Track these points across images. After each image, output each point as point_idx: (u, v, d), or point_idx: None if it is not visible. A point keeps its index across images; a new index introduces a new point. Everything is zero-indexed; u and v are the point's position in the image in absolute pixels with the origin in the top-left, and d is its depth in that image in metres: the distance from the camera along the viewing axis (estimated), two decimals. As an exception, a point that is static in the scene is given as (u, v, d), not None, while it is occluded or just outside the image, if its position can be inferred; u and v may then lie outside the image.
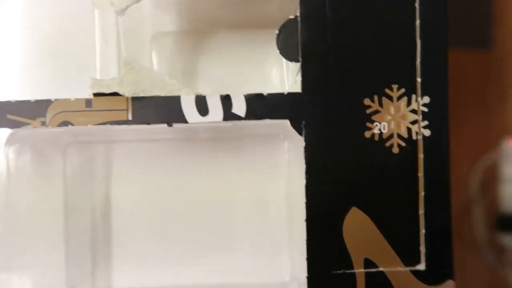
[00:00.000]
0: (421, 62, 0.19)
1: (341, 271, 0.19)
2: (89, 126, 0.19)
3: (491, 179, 0.59)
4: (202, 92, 0.19)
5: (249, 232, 0.24)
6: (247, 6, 0.23)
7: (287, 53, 0.20)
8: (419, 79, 0.19)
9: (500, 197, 0.58)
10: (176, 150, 0.24)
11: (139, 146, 0.24)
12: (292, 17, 0.19)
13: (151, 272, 0.24)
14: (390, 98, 0.20)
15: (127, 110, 0.19)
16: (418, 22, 0.19)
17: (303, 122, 0.19)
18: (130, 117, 0.19)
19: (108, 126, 0.20)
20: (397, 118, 0.20)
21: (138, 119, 0.19)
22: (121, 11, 0.19)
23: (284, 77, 0.23)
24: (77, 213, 0.23)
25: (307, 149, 0.19)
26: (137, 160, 0.24)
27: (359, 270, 0.19)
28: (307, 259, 0.19)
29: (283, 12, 0.21)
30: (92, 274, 0.23)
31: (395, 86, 0.20)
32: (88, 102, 0.19)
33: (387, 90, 0.20)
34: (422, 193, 0.19)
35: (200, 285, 0.24)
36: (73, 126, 0.19)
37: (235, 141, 0.24)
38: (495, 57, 0.61)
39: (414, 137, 0.19)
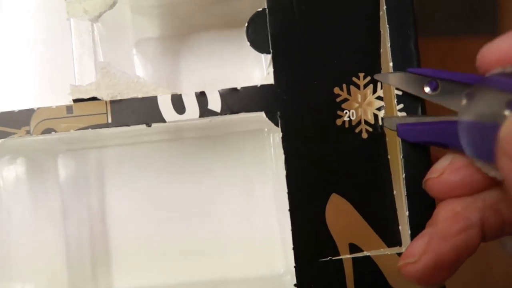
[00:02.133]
0: (391, 47, 0.19)
1: (328, 258, 0.19)
2: (74, 132, 0.20)
3: None
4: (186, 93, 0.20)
5: (241, 227, 0.24)
6: (223, 6, 0.24)
7: (258, 45, 0.20)
8: (382, 67, 0.19)
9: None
10: (164, 151, 0.24)
11: (129, 150, 0.24)
12: (260, 9, 0.20)
13: (150, 271, 0.24)
14: (357, 86, 0.20)
15: (106, 113, 0.20)
16: (385, 7, 0.19)
17: (278, 113, 0.20)
18: (110, 120, 0.20)
19: (98, 131, 0.20)
20: (364, 106, 0.20)
21: (118, 121, 0.20)
22: (95, 18, 0.20)
23: (265, 73, 0.23)
24: (75, 218, 0.24)
25: (284, 139, 0.19)
26: (128, 163, 0.24)
27: (346, 256, 0.19)
28: (294, 248, 0.19)
29: (256, 8, 0.21)
30: (93, 277, 0.24)
31: (361, 74, 0.20)
32: (69, 109, 0.20)
33: (354, 79, 0.20)
34: (402, 175, 0.19)
35: (197, 282, 0.24)
36: (63, 134, 0.20)
37: (221, 138, 0.24)
38: None
39: (380, 122, 0.20)
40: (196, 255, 0.24)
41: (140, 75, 0.24)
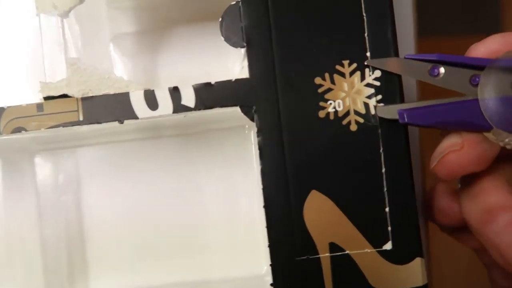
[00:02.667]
0: (368, 35, 0.19)
1: (305, 257, 0.19)
2: (46, 130, 0.19)
3: None
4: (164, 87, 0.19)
5: (223, 227, 0.24)
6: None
7: (232, 39, 0.19)
8: (368, 53, 0.19)
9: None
10: (143, 149, 0.24)
11: (107, 149, 0.24)
12: (233, 3, 0.19)
13: (128, 272, 0.24)
14: (342, 74, 0.19)
15: (77, 111, 0.19)
16: None
17: (254, 107, 0.19)
18: (81, 118, 0.19)
19: (74, 130, 0.20)
20: (352, 94, 0.19)
21: (89, 118, 0.19)
22: (65, 14, 0.19)
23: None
24: (51, 219, 0.23)
25: (259, 134, 0.19)
26: (106, 163, 0.24)
27: (325, 255, 0.19)
28: (269, 246, 0.19)
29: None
30: (70, 278, 0.23)
31: (346, 62, 0.19)
32: (39, 107, 0.19)
33: (338, 67, 0.19)
34: (383, 170, 0.19)
35: (178, 283, 0.24)
36: (38, 133, 0.20)
37: (200, 136, 0.24)
38: None
39: (372, 111, 0.19)
40: (177, 256, 0.24)
41: (118, 71, 0.24)
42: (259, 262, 0.24)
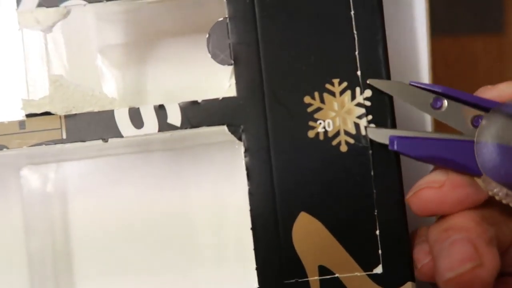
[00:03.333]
0: (359, 53, 0.18)
1: (294, 280, 0.18)
2: (26, 148, 0.19)
3: None
4: (153, 102, 0.19)
5: (212, 242, 0.23)
6: (190, 11, 0.23)
7: (219, 56, 0.19)
8: (359, 72, 0.18)
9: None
10: (131, 164, 0.23)
11: (93, 163, 0.23)
12: (221, 19, 0.19)
13: (115, 287, 0.23)
14: (332, 93, 0.18)
15: (61, 128, 0.19)
16: (352, 12, 0.18)
17: (241, 126, 0.19)
18: (64, 136, 0.19)
19: (61, 145, 0.19)
20: (342, 114, 0.18)
21: (73, 137, 0.19)
22: (48, 29, 0.19)
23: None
24: (37, 233, 0.23)
25: (247, 154, 0.18)
26: (93, 177, 0.23)
27: (314, 278, 0.18)
28: (257, 269, 0.18)
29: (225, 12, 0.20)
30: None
31: (336, 81, 0.18)
32: (21, 124, 0.19)
33: (328, 86, 0.18)
34: (374, 192, 0.18)
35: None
36: (23, 150, 0.19)
37: (189, 151, 0.23)
38: (509, 42, 0.58)
39: (363, 132, 0.18)
40: (164, 271, 0.23)
41: (106, 83, 0.23)
42: (248, 278, 0.23)
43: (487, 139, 0.16)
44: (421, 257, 0.18)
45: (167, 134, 0.19)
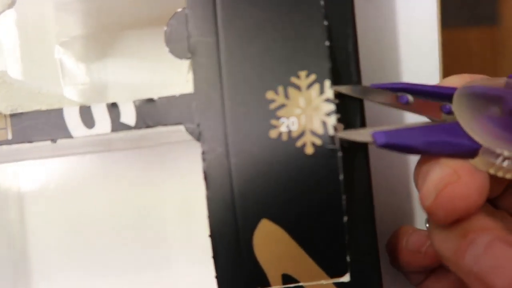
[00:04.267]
0: (330, 45, 0.17)
1: (256, 289, 0.17)
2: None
3: None
4: (114, 96, 0.18)
5: (182, 241, 0.22)
6: (154, 2, 0.21)
7: (177, 50, 0.17)
8: (329, 64, 0.17)
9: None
10: (90, 164, 0.22)
11: (52, 163, 0.22)
12: (180, 10, 0.17)
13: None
14: (297, 87, 0.17)
15: (6, 128, 0.17)
16: (322, 2, 0.17)
17: (199, 125, 0.17)
18: (10, 136, 0.17)
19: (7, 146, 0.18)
20: (309, 111, 0.17)
21: (19, 137, 0.17)
22: (-9, 21, 0.17)
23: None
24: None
25: (204, 157, 0.17)
26: (52, 178, 0.22)
27: (277, 287, 0.17)
28: (216, 277, 0.17)
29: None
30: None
31: (303, 73, 0.17)
32: (-36, 123, 0.17)
33: (293, 79, 0.17)
34: (342, 198, 0.17)
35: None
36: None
37: (154, 150, 0.22)
38: (502, 34, 0.57)
39: (330, 131, 0.17)
40: (132, 272, 0.22)
41: (65, 75, 0.22)
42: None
43: (469, 116, 0.16)
44: (423, 239, 0.18)
45: (122, 134, 0.18)
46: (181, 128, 0.17)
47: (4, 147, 0.18)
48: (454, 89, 0.16)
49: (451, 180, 0.15)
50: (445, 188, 0.15)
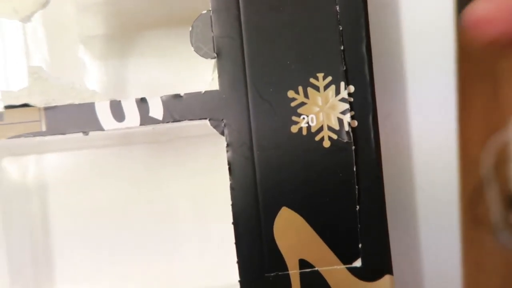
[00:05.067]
0: (344, 49, 0.18)
1: (275, 273, 0.19)
2: (4, 140, 0.18)
3: (503, 159, 0.57)
4: (135, 95, 0.19)
5: (194, 235, 0.23)
6: (174, 3, 0.22)
7: (202, 50, 0.19)
8: (343, 67, 0.18)
9: (513, 176, 0.57)
10: (112, 156, 0.23)
11: (74, 155, 0.23)
12: (204, 12, 0.19)
13: (97, 282, 0.23)
14: (316, 88, 0.18)
15: (40, 121, 0.18)
16: (337, 7, 0.18)
17: (224, 120, 0.18)
18: (44, 128, 0.18)
19: (41, 138, 0.19)
20: (326, 109, 0.18)
21: (53, 129, 0.18)
22: (27, 18, 0.18)
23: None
24: (16, 228, 0.23)
25: (229, 149, 0.18)
26: (73, 169, 0.23)
27: (294, 271, 0.19)
28: (238, 262, 0.19)
29: (208, 4, 0.20)
30: (37, 288, 0.23)
31: (320, 75, 0.18)
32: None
33: (312, 80, 0.18)
34: (356, 188, 0.18)
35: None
36: (2, 141, 0.19)
37: (173, 143, 0.23)
38: None
39: (346, 128, 0.18)
40: (147, 265, 0.23)
41: (88, 74, 0.23)
42: (230, 273, 0.23)
43: None
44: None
45: (149, 128, 0.19)
46: (206, 122, 0.19)
47: (36, 138, 0.19)
48: None
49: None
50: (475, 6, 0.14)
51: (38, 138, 0.20)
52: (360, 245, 0.18)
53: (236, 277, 0.23)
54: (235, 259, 0.23)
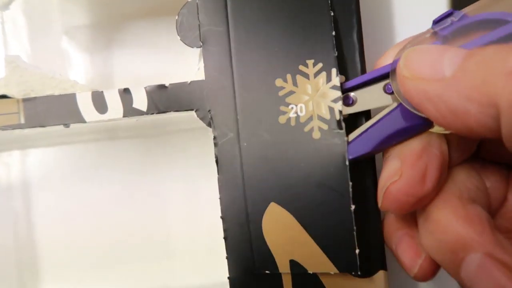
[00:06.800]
0: (335, 35, 0.17)
1: (265, 272, 0.18)
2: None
3: None
4: (120, 86, 0.18)
5: (184, 232, 0.23)
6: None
7: (188, 38, 0.18)
8: (335, 53, 0.17)
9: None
10: (97, 152, 0.22)
11: (59, 150, 0.22)
12: (190, 0, 0.18)
13: (82, 279, 0.22)
14: (305, 75, 0.17)
15: (18, 113, 0.18)
16: None
17: (210, 112, 0.18)
18: (22, 120, 0.18)
19: (22, 132, 0.18)
20: (316, 98, 0.17)
21: (32, 121, 0.18)
22: (4, 6, 0.18)
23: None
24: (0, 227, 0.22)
25: (216, 142, 0.18)
26: (58, 165, 0.22)
27: (285, 272, 0.18)
28: (227, 258, 0.18)
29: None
30: (20, 285, 0.22)
31: (310, 62, 0.17)
32: (-24, 108, 0.18)
33: (301, 67, 0.17)
34: (349, 183, 0.17)
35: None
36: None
37: (161, 138, 0.22)
38: None
39: (337, 117, 0.17)
40: (135, 262, 0.22)
41: (71, 65, 0.22)
42: (220, 269, 0.22)
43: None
44: (415, 249, 0.17)
45: (133, 120, 0.18)
46: (192, 114, 0.18)
47: (17, 132, 0.18)
48: (389, 66, 0.16)
49: (393, 179, 0.15)
50: (388, 189, 0.16)
51: (18, 132, 0.19)
52: (357, 251, 0.17)
53: (226, 274, 0.23)
54: (225, 255, 0.23)
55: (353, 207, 0.17)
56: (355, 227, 0.17)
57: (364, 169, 0.18)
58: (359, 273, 0.17)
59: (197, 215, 0.23)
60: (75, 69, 0.22)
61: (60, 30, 0.22)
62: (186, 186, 0.23)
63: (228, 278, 0.18)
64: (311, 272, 0.17)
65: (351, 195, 0.17)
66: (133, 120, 0.19)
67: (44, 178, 0.22)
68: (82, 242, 0.22)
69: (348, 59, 0.17)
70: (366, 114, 0.18)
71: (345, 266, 0.17)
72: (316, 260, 0.17)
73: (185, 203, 0.23)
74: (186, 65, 0.22)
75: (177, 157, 0.23)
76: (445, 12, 0.15)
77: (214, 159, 0.23)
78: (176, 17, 0.18)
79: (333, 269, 0.17)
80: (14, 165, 0.22)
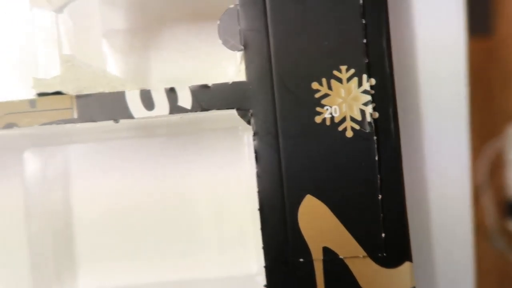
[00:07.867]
0: (367, 42, 0.19)
1: (298, 260, 0.19)
2: (37, 127, 0.19)
3: (498, 165, 0.58)
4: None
5: (214, 226, 0.24)
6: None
7: (229, 42, 0.19)
8: (366, 60, 0.19)
9: (508, 183, 0.58)
10: (134, 148, 0.24)
11: (97, 146, 0.23)
12: (231, 6, 0.19)
13: (117, 271, 0.23)
14: (339, 80, 0.19)
15: (72, 108, 0.19)
16: (361, 1, 0.19)
17: (250, 110, 0.19)
18: (75, 116, 0.19)
19: (63, 127, 0.20)
20: (349, 101, 0.19)
21: (84, 117, 0.19)
22: (60, 9, 0.19)
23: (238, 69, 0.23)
24: (38, 217, 0.23)
25: (255, 138, 0.19)
26: (96, 160, 0.23)
27: (317, 258, 0.19)
28: (263, 248, 0.19)
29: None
30: (57, 277, 0.23)
31: (343, 67, 0.19)
32: (32, 103, 0.19)
33: (335, 72, 0.19)
34: (378, 178, 0.19)
35: (167, 282, 0.24)
36: (28, 129, 0.19)
37: (193, 136, 0.24)
38: (497, 44, 0.60)
39: (368, 118, 0.19)
40: (167, 255, 0.24)
41: (109, 68, 0.23)
42: (249, 262, 0.24)
43: None
44: None
45: (176, 117, 0.20)
46: (233, 112, 0.19)
47: (64, 126, 0.19)
48: None
49: None
50: None
51: (62, 129, 0.20)
52: (383, 235, 0.19)
53: (255, 268, 0.24)
54: (253, 251, 0.24)
55: (380, 196, 0.19)
56: (381, 214, 0.19)
57: (393, 166, 0.19)
58: (384, 254, 0.19)
59: (225, 211, 0.24)
60: (113, 72, 0.23)
61: (100, 33, 0.23)
62: (215, 182, 0.24)
63: (265, 267, 0.19)
64: (342, 257, 0.19)
65: (378, 186, 0.19)
66: (168, 118, 0.20)
67: (81, 172, 0.23)
68: (116, 234, 0.23)
69: (378, 64, 0.19)
70: (394, 116, 0.19)
71: (372, 249, 0.19)
72: (347, 246, 0.19)
73: (213, 199, 0.24)
74: (221, 70, 0.23)
75: (207, 154, 0.24)
76: None
77: (243, 158, 0.24)
78: (218, 22, 0.19)
79: (362, 253, 0.19)
80: (54, 159, 0.23)
